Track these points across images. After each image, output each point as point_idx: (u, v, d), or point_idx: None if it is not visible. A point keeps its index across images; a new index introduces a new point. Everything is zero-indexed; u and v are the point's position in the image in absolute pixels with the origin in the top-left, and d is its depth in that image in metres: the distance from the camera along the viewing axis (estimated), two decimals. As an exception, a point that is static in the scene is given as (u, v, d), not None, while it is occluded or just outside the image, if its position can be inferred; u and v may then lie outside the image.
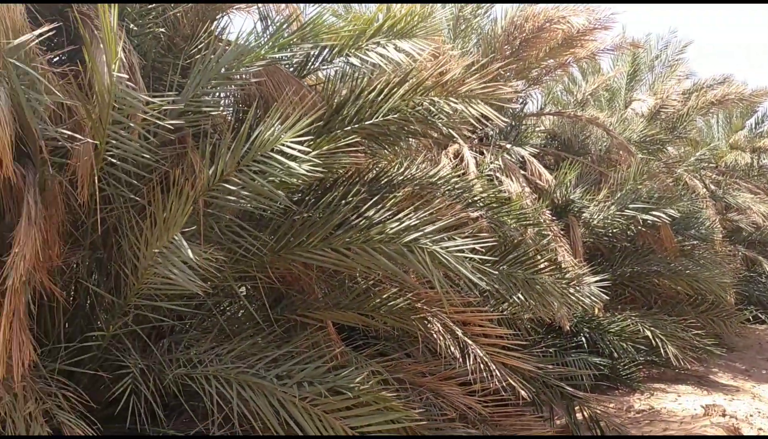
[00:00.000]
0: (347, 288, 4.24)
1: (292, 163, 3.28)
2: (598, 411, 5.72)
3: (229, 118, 4.50)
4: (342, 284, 4.30)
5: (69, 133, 3.37)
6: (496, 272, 3.84)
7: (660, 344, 7.07)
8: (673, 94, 10.41)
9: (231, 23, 4.84)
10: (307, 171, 3.26)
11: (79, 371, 3.95)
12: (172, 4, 4.04)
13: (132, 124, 3.26)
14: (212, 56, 3.95)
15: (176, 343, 4.24)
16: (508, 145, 7.55)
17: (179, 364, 3.99)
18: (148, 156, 3.40)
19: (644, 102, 10.25)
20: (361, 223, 3.81)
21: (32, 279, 3.45)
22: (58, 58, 3.75)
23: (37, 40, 3.20)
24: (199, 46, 4.16)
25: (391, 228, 3.69)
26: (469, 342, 4.08)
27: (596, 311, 6.83)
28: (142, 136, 3.42)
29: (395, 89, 3.97)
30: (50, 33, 3.28)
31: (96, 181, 3.47)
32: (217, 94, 3.97)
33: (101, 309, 4.03)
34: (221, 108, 4.04)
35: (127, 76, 3.19)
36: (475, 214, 4.56)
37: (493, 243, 3.97)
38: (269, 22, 4.86)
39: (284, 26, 4.05)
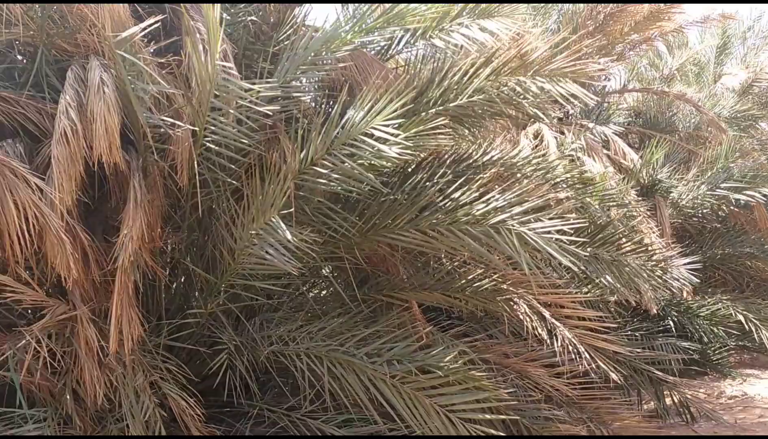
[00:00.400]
0: (432, 269, 4.28)
1: (383, 146, 3.33)
2: (689, 396, 5.56)
3: (313, 103, 4.61)
4: (427, 265, 4.35)
5: (171, 120, 3.54)
6: (586, 254, 3.79)
7: (753, 329, 6.77)
8: (767, 67, 9.83)
9: (311, 9, 4.90)
10: (397, 154, 3.31)
11: (178, 346, 4.17)
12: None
13: (232, 111, 3.39)
14: (300, 43, 4.04)
15: (267, 321, 4.40)
16: (591, 124, 7.36)
17: (271, 341, 4.15)
18: (246, 141, 3.53)
19: (735, 76, 9.73)
20: (447, 204, 3.83)
21: (138, 259, 3.67)
22: (156, 48, 3.93)
23: (141, 34, 3.36)
24: (288, 33, 4.26)
25: (478, 210, 3.70)
26: (557, 324, 4.05)
27: (685, 294, 6.61)
28: (237, 122, 3.56)
29: (480, 70, 3.95)
30: (152, 26, 3.44)
31: (195, 165, 3.64)
32: (305, 79, 4.06)
33: (198, 288, 4.23)
34: (309, 93, 4.13)
35: (230, 65, 3.32)
36: (563, 195, 4.49)
37: (581, 225, 3.91)
38: (349, 8, 4.92)
39: (369, 11, 4.09)
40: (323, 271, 4.26)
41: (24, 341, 3.47)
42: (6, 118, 3.93)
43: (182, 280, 4.27)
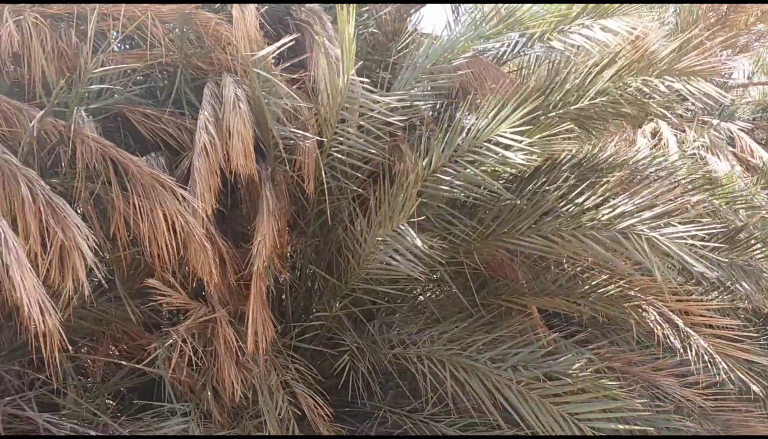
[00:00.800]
0: (553, 274, 4.23)
1: (508, 153, 3.34)
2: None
3: (430, 111, 4.67)
4: (547, 270, 4.30)
5: (301, 132, 3.71)
6: (726, 260, 3.62)
7: None
8: None
9: (422, 16, 4.98)
10: (523, 159, 3.31)
11: (303, 347, 4.35)
12: (384, 4, 4.27)
13: (362, 122, 3.52)
14: (419, 52, 4.12)
15: (386, 324, 4.51)
16: (714, 121, 6.98)
17: (392, 344, 4.25)
18: (374, 151, 3.65)
19: None
20: (570, 209, 3.78)
21: (270, 264, 3.87)
22: (284, 64, 4.11)
23: (276, 52, 3.55)
24: (405, 42, 4.36)
25: (604, 214, 3.62)
26: (690, 332, 3.89)
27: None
28: (363, 132, 3.68)
29: (604, 71, 3.86)
30: (286, 45, 3.61)
31: (322, 174, 3.79)
32: (423, 88, 4.13)
33: (322, 292, 4.40)
34: (429, 101, 4.20)
35: (361, 79, 3.45)
36: (696, 198, 4.31)
37: (716, 229, 3.74)
38: (460, 11, 4.95)
39: (487, 17, 4.11)
40: (442, 275, 4.31)
41: (171, 341, 3.74)
42: (149, 134, 4.26)
43: (308, 284, 4.45)
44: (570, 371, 3.39)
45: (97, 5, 4.08)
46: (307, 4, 4.42)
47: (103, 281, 3.59)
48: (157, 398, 3.97)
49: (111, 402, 4.50)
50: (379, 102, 3.51)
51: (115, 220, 3.69)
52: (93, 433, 3.45)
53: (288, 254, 4.30)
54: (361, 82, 3.47)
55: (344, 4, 3.27)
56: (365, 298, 4.25)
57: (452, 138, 3.61)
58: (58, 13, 4.09)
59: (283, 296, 4.36)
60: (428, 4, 4.94)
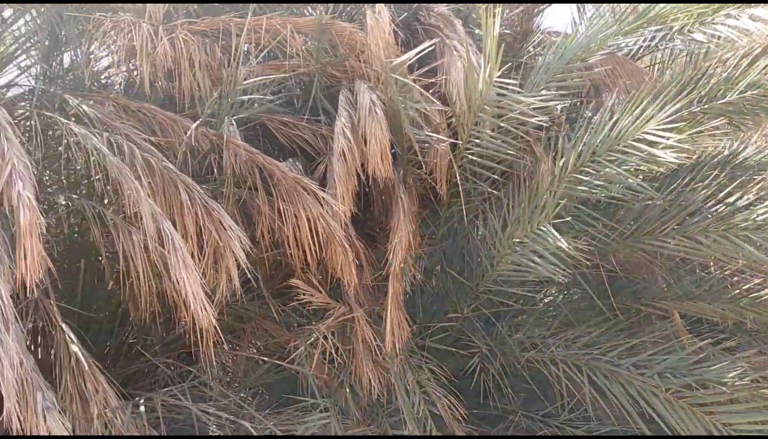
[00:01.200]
0: (698, 278, 4.03)
1: (656, 151, 3.22)
2: None
3: (560, 111, 4.58)
4: (691, 273, 4.10)
5: (436, 135, 3.76)
6: None
7: None
8: None
9: (546, 16, 4.90)
10: (673, 158, 3.18)
11: (432, 347, 4.38)
12: (516, 4, 4.25)
13: (502, 124, 3.52)
14: (550, 51, 4.06)
15: (515, 326, 4.47)
16: None
17: (523, 346, 4.21)
18: (512, 152, 3.64)
19: None
20: (720, 209, 3.59)
21: (406, 265, 3.94)
22: (415, 69, 4.18)
23: (414, 58, 3.62)
24: (534, 42, 4.31)
25: (759, 214, 3.41)
26: None
27: None
28: (499, 133, 3.68)
29: (756, 62, 3.64)
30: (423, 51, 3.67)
31: (456, 175, 3.82)
32: (556, 87, 4.06)
33: (452, 293, 4.42)
34: (565, 101, 4.13)
35: (511, 81, 3.45)
36: None
37: None
38: (584, 12, 4.83)
39: (624, 14, 3.99)
40: (576, 278, 4.22)
41: (313, 338, 3.90)
42: (286, 140, 4.46)
43: (438, 285, 4.49)
44: (725, 380, 3.22)
45: (238, 20, 4.33)
46: (435, 8, 4.47)
47: (253, 281, 3.79)
48: (294, 394, 4.14)
49: (244, 396, 4.74)
50: (521, 102, 3.50)
51: (260, 223, 3.88)
52: (248, 424, 3.63)
53: (420, 256, 4.35)
54: (507, 83, 3.46)
55: (487, 6, 3.28)
56: (495, 299, 4.24)
57: (592, 137, 3.53)
58: (204, 30, 4.37)
59: (415, 297, 4.42)
60: (553, 4, 4.87)
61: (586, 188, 3.61)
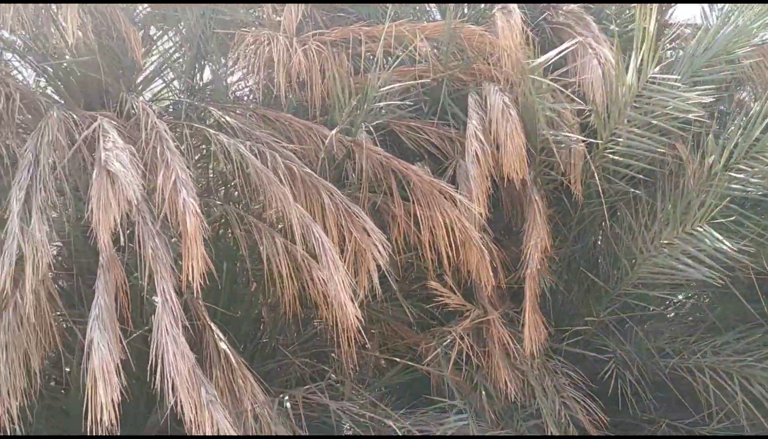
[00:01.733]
0: None
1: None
2: None
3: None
4: None
5: (574, 135, 3.70)
6: None
7: None
8: None
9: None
10: None
11: (565, 350, 4.29)
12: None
13: (654, 121, 3.42)
14: (690, 44, 3.90)
15: (653, 331, 4.31)
16: None
17: (664, 352, 4.05)
18: (662, 149, 3.52)
19: None
20: None
21: (541, 268, 3.90)
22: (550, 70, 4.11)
23: (552, 59, 3.57)
24: (673, 35, 4.15)
25: None
26: None
27: None
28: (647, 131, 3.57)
29: None
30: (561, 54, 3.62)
31: (595, 176, 3.74)
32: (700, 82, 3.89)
33: (588, 295, 4.32)
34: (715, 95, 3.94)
35: (672, 76, 3.36)
36: None
37: None
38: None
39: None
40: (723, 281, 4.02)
41: (449, 340, 3.92)
42: (413, 144, 4.51)
43: (572, 287, 4.40)
44: None
45: (367, 29, 4.43)
46: (564, 6, 4.39)
47: (392, 283, 3.86)
48: (424, 395, 4.17)
49: (375, 396, 4.81)
50: (676, 97, 3.37)
51: (395, 226, 3.95)
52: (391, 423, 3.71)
53: (552, 258, 4.28)
54: (663, 78, 3.35)
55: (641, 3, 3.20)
56: (632, 303, 4.11)
57: (749, 132, 3.35)
58: (335, 39, 4.51)
59: (546, 299, 4.36)
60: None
61: (739, 186, 3.44)
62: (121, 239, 3.23)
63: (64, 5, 3.55)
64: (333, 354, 4.98)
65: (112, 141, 3.19)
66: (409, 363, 4.21)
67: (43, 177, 3.24)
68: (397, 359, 4.35)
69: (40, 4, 3.82)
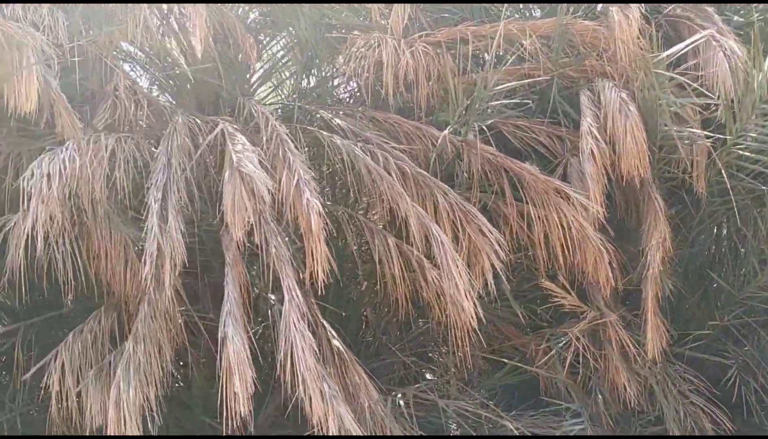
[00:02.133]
0: None
1: None
2: None
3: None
4: None
5: (699, 131, 3.56)
6: None
7: None
8: None
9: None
10: None
11: (684, 355, 4.11)
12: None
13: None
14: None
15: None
16: None
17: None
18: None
19: None
20: None
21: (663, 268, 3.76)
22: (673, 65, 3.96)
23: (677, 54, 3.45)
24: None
25: None
26: None
27: None
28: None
29: None
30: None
31: (722, 173, 3.58)
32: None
33: (710, 298, 4.14)
34: None
35: None
36: None
37: None
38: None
39: None
40: None
41: (564, 342, 3.85)
42: (521, 143, 4.44)
43: (694, 289, 4.23)
44: None
45: (474, 28, 4.40)
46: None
47: (506, 283, 3.82)
48: (532, 397, 4.10)
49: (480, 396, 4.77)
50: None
51: (508, 225, 3.91)
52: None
53: (671, 258, 4.13)
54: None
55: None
56: (759, 307, 3.91)
57: None
58: (439, 41, 4.51)
59: (664, 302, 4.20)
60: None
61: None
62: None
63: (191, 14, 3.69)
64: (434, 354, 5.00)
65: (242, 143, 3.31)
66: (518, 365, 4.15)
67: (176, 179, 3.40)
68: (505, 360, 4.30)
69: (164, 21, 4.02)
